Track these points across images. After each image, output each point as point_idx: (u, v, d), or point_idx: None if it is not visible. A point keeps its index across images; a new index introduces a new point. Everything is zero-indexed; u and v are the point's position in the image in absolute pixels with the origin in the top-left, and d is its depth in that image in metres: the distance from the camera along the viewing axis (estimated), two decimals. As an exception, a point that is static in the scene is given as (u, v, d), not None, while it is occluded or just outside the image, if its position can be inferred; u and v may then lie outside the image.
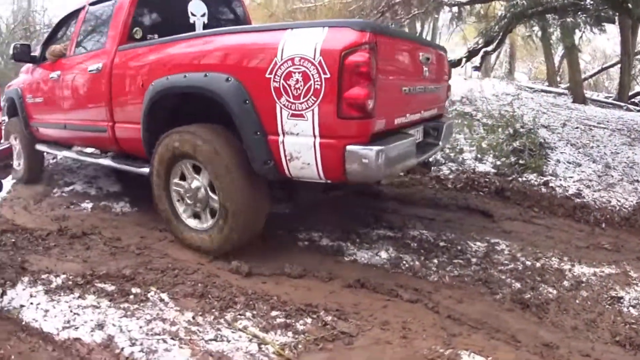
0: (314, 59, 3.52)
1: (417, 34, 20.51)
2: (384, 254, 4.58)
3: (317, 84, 3.52)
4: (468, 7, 12.50)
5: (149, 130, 4.72)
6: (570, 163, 7.39)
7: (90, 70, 5.37)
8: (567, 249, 4.92)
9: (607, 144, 8.50)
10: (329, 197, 4.89)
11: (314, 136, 3.61)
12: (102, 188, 6.80)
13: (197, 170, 4.39)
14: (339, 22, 3.69)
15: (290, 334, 3.25)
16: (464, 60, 8.77)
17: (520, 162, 7.04)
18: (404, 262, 4.42)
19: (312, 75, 3.53)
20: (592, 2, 7.01)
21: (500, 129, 8.14)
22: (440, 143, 4.99)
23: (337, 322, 3.37)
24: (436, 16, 18.01)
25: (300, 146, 3.69)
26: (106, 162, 5.58)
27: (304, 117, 3.61)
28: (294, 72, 3.60)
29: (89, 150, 6.67)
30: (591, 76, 22.46)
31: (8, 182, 6.99)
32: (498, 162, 7.18)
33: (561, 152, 7.78)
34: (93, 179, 7.21)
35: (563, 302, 3.84)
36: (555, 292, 4.00)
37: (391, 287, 3.89)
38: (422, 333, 3.27)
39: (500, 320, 3.50)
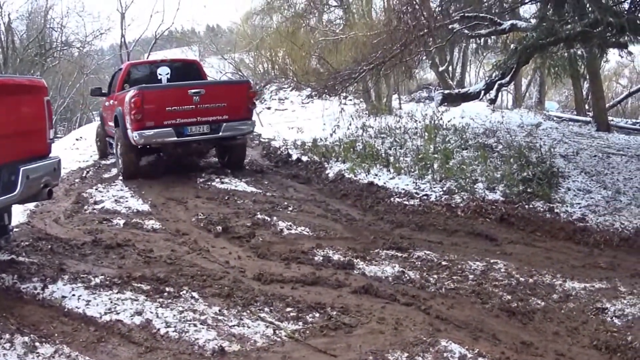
0: (128, 101, 9.40)
1: (447, 62, 21.44)
2: (389, 269, 5.48)
3: (127, 110, 9.43)
4: (493, 37, 13.29)
5: (116, 126, 10.31)
6: (580, 190, 8.15)
7: (112, 102, 11.32)
8: (562, 267, 5.66)
9: (621, 171, 9.25)
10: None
11: (130, 129, 9.44)
12: (131, 207, 7.86)
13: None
14: (136, 87, 9.60)
15: (300, 323, 4.22)
16: (482, 92, 9.53)
17: (529, 190, 7.84)
18: (406, 275, 5.31)
19: (127, 107, 9.42)
20: (601, 30, 7.67)
21: (512, 160, 8.97)
22: (221, 133, 9.81)
23: (341, 316, 4.31)
24: (462, 46, 19.04)
25: (130, 131, 9.47)
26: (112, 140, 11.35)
27: (127, 121, 9.54)
28: (126, 106, 9.44)
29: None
30: (619, 102, 22.93)
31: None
32: (507, 191, 7.99)
33: (573, 181, 8.55)
34: (121, 199, 8.32)
35: (549, 311, 4.61)
36: (543, 303, 4.77)
37: (391, 293, 4.79)
38: (411, 327, 4.16)
39: (484, 323, 4.32)
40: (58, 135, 27.16)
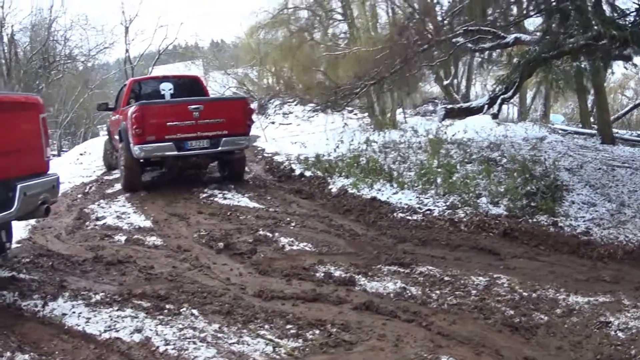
0: (130, 116, 9.77)
1: (451, 76, 21.50)
2: (391, 285, 5.46)
3: (130, 124, 9.79)
4: (498, 51, 13.35)
5: (120, 140, 10.69)
6: (584, 203, 8.15)
7: (118, 117, 11.80)
8: (566, 281, 5.61)
9: (626, 183, 9.25)
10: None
11: (132, 143, 9.79)
12: (133, 223, 7.92)
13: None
14: (137, 103, 10.18)
15: (300, 340, 4.21)
16: (485, 107, 9.57)
17: (532, 204, 7.84)
18: (408, 291, 5.29)
19: (130, 122, 9.78)
20: (605, 43, 7.71)
21: (516, 174, 8.96)
22: (220, 148, 10.19)
23: (341, 333, 4.29)
24: (467, 59, 19.16)
25: (132, 145, 9.79)
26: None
27: (129, 135, 9.87)
28: (129, 121, 9.78)
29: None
30: (624, 114, 22.95)
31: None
32: (511, 205, 7.98)
33: (578, 194, 8.54)
34: (123, 215, 8.38)
35: (552, 326, 4.58)
36: (546, 318, 4.74)
37: (392, 309, 4.77)
38: (412, 344, 4.14)
39: (487, 339, 4.29)
40: (63, 150, 27.36)
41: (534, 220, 7.52)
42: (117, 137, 11.35)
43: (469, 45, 11.60)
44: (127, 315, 4.62)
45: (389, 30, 17.22)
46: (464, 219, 7.77)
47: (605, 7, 8.79)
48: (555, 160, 9.94)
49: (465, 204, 8.22)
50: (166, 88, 12.03)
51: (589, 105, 18.86)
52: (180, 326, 4.41)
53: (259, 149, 15.89)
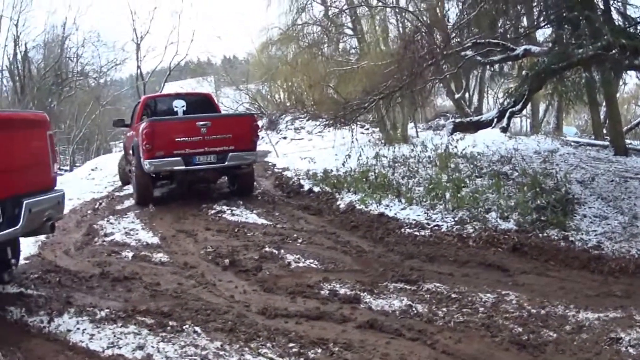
0: (140, 132, 10.33)
1: (462, 90, 21.41)
2: (397, 303, 5.39)
3: (140, 140, 10.31)
4: (509, 63, 13.31)
5: (133, 155, 11.13)
6: (596, 217, 8.04)
7: (132, 133, 12.07)
8: (576, 297, 5.52)
9: (639, 195, 9.09)
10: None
11: (142, 158, 10.26)
12: (141, 240, 7.96)
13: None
14: (147, 120, 10.61)
15: (302, 359, 4.15)
16: (494, 120, 9.51)
17: (542, 218, 7.75)
18: (414, 309, 5.22)
19: (140, 137, 10.31)
20: (614, 53, 7.60)
21: (525, 187, 8.88)
22: (227, 163, 10.60)
23: (343, 352, 4.24)
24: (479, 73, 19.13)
25: (143, 160, 10.24)
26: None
27: (140, 151, 10.31)
28: (140, 136, 10.30)
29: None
30: (636, 124, 22.66)
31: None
32: (521, 220, 7.90)
33: (589, 207, 8.43)
34: (132, 231, 8.44)
35: (561, 343, 4.49)
36: (555, 335, 4.65)
37: (397, 328, 4.71)
38: (416, 363, 4.06)
39: (494, 357, 4.22)
40: (76, 164, 27.58)
41: (544, 234, 7.43)
42: (131, 152, 11.66)
43: (478, 58, 11.56)
44: (130, 331, 4.63)
45: (397, 44, 17.21)
46: (473, 235, 7.70)
47: (615, 16, 8.75)
48: (566, 173, 9.84)
49: (474, 219, 8.15)
50: (179, 105, 12.39)
51: (602, 116, 18.72)
52: (182, 343, 4.39)
53: (270, 164, 15.97)
